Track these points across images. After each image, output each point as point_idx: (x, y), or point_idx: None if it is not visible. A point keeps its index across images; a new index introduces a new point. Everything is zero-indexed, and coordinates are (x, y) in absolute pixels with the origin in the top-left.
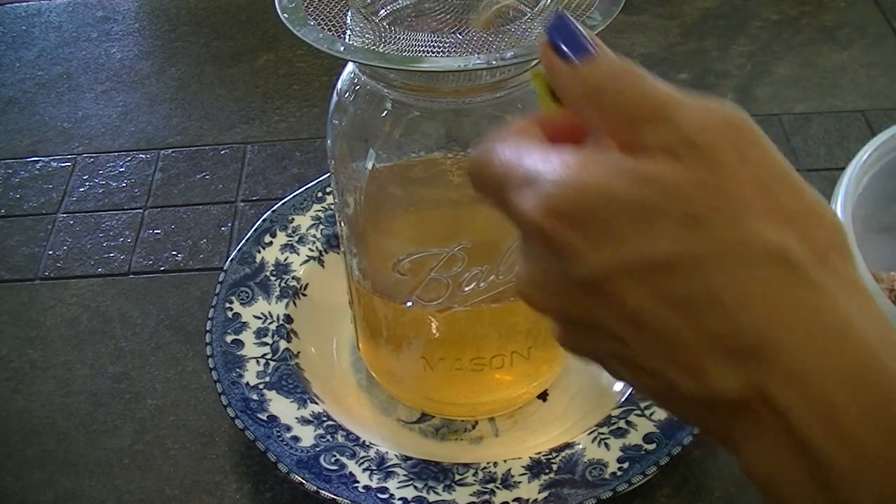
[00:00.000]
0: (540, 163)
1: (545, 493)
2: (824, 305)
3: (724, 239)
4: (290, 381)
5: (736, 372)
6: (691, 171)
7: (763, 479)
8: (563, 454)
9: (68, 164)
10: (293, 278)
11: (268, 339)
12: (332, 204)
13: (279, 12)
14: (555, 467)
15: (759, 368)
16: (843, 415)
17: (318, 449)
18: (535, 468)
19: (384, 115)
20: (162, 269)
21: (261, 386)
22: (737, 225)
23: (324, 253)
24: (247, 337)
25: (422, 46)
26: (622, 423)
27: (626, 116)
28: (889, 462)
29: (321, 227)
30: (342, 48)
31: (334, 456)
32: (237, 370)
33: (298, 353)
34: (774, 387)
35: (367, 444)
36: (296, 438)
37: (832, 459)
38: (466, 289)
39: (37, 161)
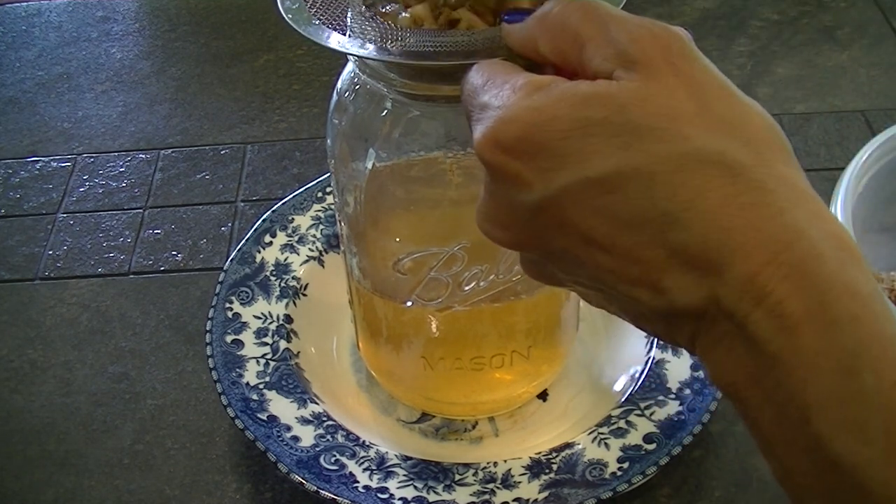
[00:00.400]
0: (492, 94)
1: (545, 493)
2: (769, 207)
3: (663, 151)
4: (290, 381)
5: (693, 283)
6: (627, 86)
7: (727, 386)
8: (563, 454)
9: (68, 164)
10: (293, 278)
11: (268, 339)
12: (332, 204)
13: (283, 13)
14: (555, 467)
15: (712, 278)
16: (791, 316)
17: (318, 449)
18: (535, 468)
19: (384, 114)
20: (162, 269)
21: (261, 386)
22: (675, 135)
23: (324, 253)
24: (247, 337)
25: (425, 44)
26: (622, 423)
27: (569, 42)
28: (831, 360)
29: (321, 227)
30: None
31: (334, 456)
32: (237, 370)
33: (298, 352)
34: (728, 294)
35: (367, 444)
36: (296, 438)
37: (783, 361)
38: (466, 288)
39: (37, 161)
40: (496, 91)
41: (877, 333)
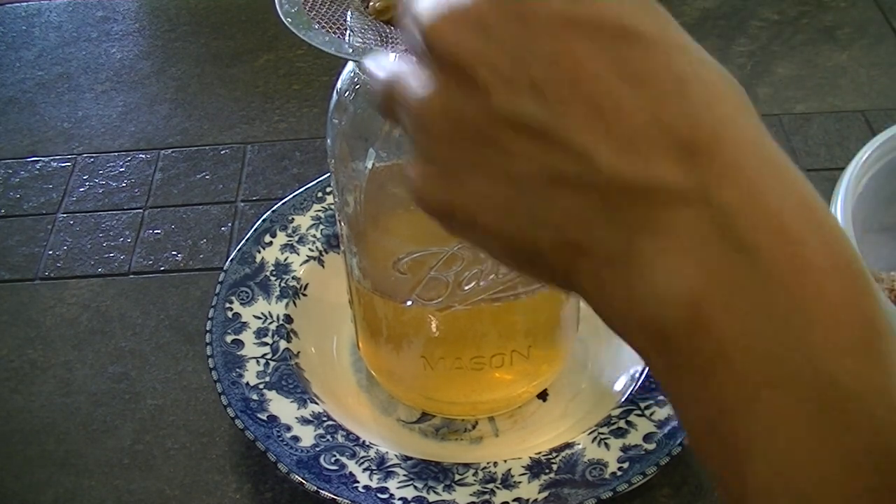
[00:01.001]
0: None
1: (545, 493)
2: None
3: (681, 34)
4: (290, 381)
5: (683, 163)
6: None
7: (680, 296)
8: (563, 454)
9: (68, 164)
10: (293, 278)
11: (268, 339)
12: (332, 204)
13: (281, 17)
14: (555, 467)
15: (706, 163)
16: (797, 232)
17: (318, 449)
18: (535, 468)
19: None
20: (162, 269)
21: (261, 386)
22: (663, 19)
23: (324, 253)
24: (247, 337)
25: None
26: (622, 423)
27: None
28: (829, 260)
29: (321, 227)
30: (350, 50)
31: (334, 456)
32: (237, 370)
33: (298, 352)
34: (719, 182)
35: (367, 444)
36: (296, 438)
37: (774, 262)
38: (466, 288)
39: (37, 161)
40: None
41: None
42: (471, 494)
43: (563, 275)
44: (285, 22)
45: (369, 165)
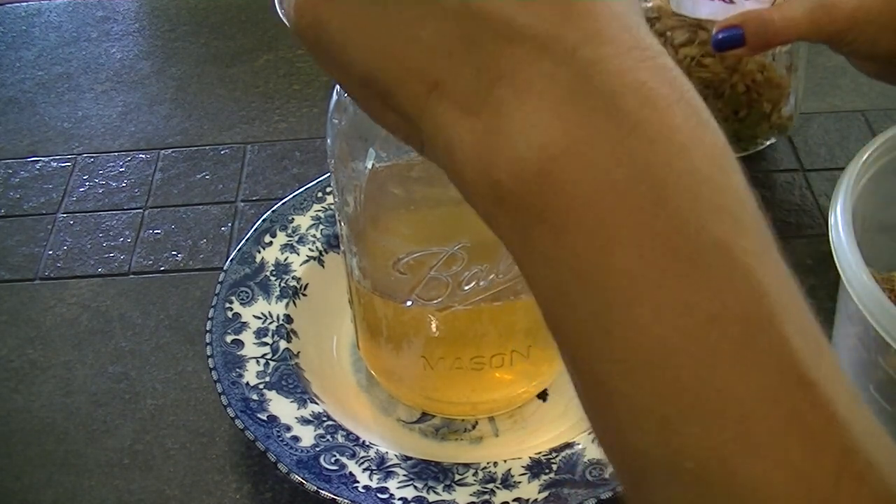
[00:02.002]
0: None
1: (545, 493)
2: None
3: None
4: (290, 381)
5: (556, 13)
6: None
7: (534, 148)
8: (563, 454)
9: (68, 164)
10: (293, 278)
11: (268, 339)
12: (332, 204)
13: (279, 11)
14: (555, 467)
15: (579, 21)
16: (662, 98)
17: (318, 449)
18: (535, 468)
19: None
20: (162, 269)
21: (261, 386)
22: None
23: (324, 253)
24: (247, 337)
25: None
26: None
27: None
28: (704, 151)
29: (321, 227)
30: None
31: (334, 456)
32: (237, 370)
33: (298, 353)
34: (588, 40)
35: (367, 444)
36: (296, 438)
37: (645, 132)
38: (466, 288)
39: (37, 161)
40: None
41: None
42: (471, 494)
43: (415, 118)
44: (285, 21)
45: (369, 165)
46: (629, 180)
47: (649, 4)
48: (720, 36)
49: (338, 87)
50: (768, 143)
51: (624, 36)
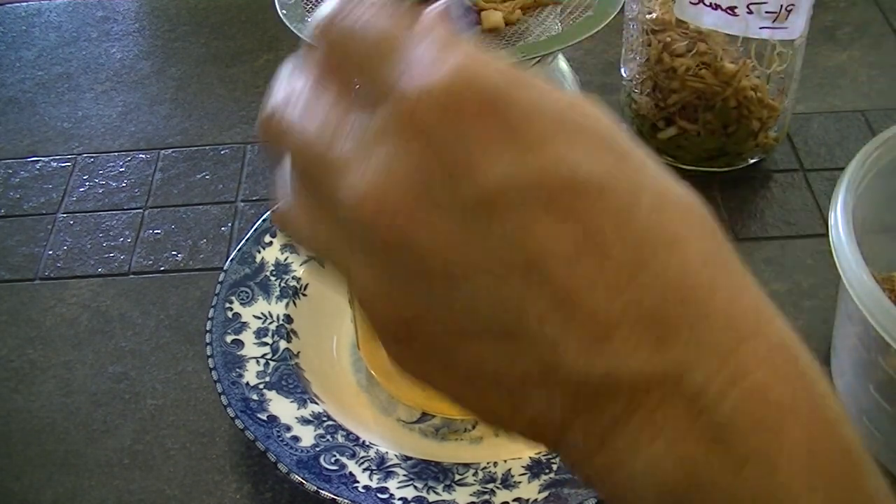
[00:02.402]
0: (452, 41)
1: (545, 493)
2: (745, 274)
3: (651, 170)
4: (290, 381)
5: (650, 346)
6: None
7: (655, 487)
8: None
9: (68, 164)
10: (293, 278)
11: (268, 339)
12: None
13: (278, 8)
14: (555, 467)
15: (677, 343)
16: (777, 406)
17: (318, 449)
18: (535, 468)
19: None
20: (162, 269)
21: (261, 386)
22: (656, 177)
23: None
24: (247, 337)
25: None
26: None
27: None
28: (814, 455)
29: None
30: None
31: (334, 456)
32: (237, 370)
33: (298, 352)
34: (698, 369)
35: (367, 444)
36: (296, 438)
37: (762, 461)
38: None
39: (37, 161)
40: (456, 42)
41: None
42: (471, 494)
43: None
44: (280, 14)
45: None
46: None
47: (653, 16)
48: None
49: None
50: (752, 161)
51: (736, 335)
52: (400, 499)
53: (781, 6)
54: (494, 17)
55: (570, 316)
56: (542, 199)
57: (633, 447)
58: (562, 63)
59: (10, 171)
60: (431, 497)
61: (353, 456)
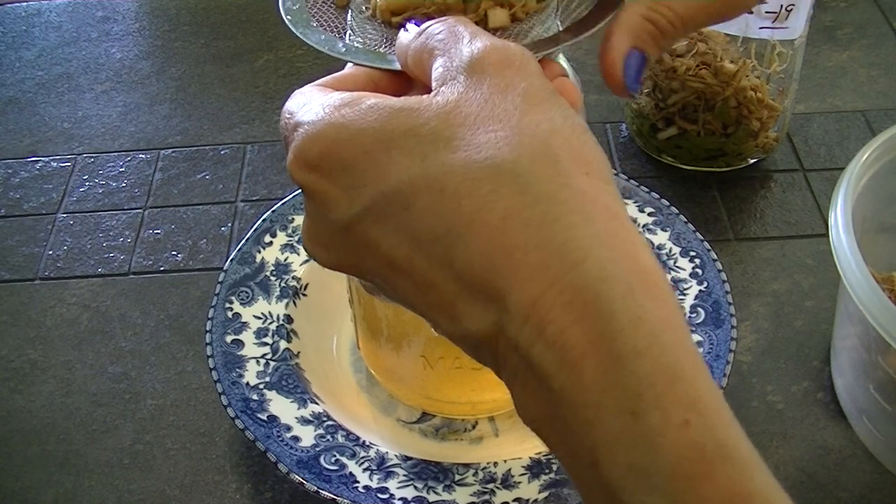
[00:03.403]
0: (304, 113)
1: (545, 493)
2: (556, 223)
3: (454, 160)
4: (290, 381)
5: (480, 309)
6: (442, 96)
7: (530, 423)
8: None
9: (68, 164)
10: (293, 278)
11: (268, 339)
12: None
13: (282, 13)
14: (555, 467)
15: (496, 303)
16: (573, 349)
17: (318, 449)
18: (535, 468)
19: None
20: (162, 269)
21: (261, 386)
22: (469, 143)
23: None
24: (247, 337)
25: None
26: None
27: (430, 51)
28: (614, 399)
29: None
30: (343, 49)
31: (334, 456)
32: (237, 370)
33: (298, 353)
34: (511, 322)
35: (367, 444)
36: (296, 438)
37: (568, 400)
38: None
39: (37, 161)
40: (308, 109)
41: (664, 368)
42: (471, 494)
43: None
44: (284, 18)
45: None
46: (572, 457)
47: None
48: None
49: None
50: (752, 161)
51: (550, 294)
52: (400, 499)
53: (781, 6)
54: (500, 15)
55: (429, 297)
56: (377, 215)
57: (508, 384)
58: (563, 63)
59: (10, 171)
60: (431, 497)
61: (353, 456)
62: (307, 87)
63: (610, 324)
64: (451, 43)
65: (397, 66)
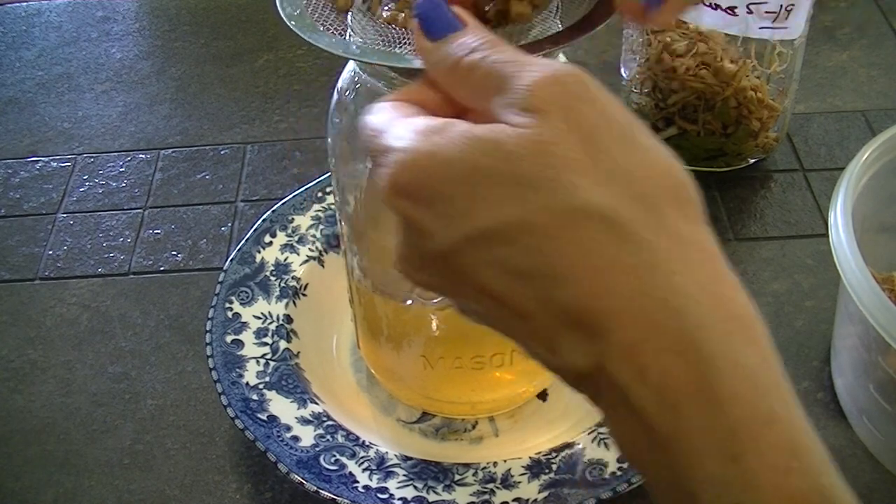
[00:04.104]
0: (393, 136)
1: (545, 493)
2: (656, 270)
3: (550, 203)
4: (290, 381)
5: (581, 346)
6: (518, 132)
7: (628, 455)
8: (563, 454)
9: (68, 164)
10: (293, 278)
11: (268, 339)
12: (332, 204)
13: (286, 20)
14: (555, 467)
15: (597, 343)
16: (673, 392)
17: (317, 449)
18: (535, 468)
19: None
20: (162, 269)
21: (261, 386)
22: (564, 186)
23: (324, 253)
24: (247, 337)
25: None
26: None
27: (479, 88)
28: (713, 441)
29: (321, 227)
30: (358, 50)
31: (334, 456)
32: (237, 370)
33: (298, 353)
34: (609, 361)
35: (367, 444)
36: (296, 438)
37: (669, 440)
38: None
39: (37, 161)
40: (395, 133)
41: (762, 412)
42: (471, 494)
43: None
44: (290, 25)
45: (370, 165)
46: (671, 494)
47: None
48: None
49: (339, 86)
50: (752, 161)
51: (649, 339)
52: (400, 499)
53: (781, 6)
54: (521, 6)
55: (527, 327)
56: (472, 248)
57: (606, 417)
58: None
59: (11, 171)
60: (431, 497)
61: (352, 456)
62: (388, 105)
63: (710, 368)
64: (501, 77)
65: (415, 65)
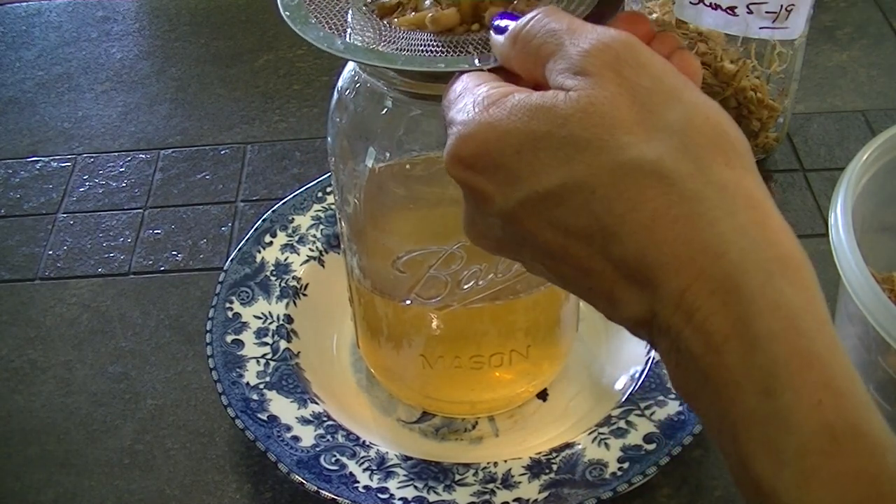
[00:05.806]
0: (457, 109)
1: (545, 493)
2: (701, 218)
3: (600, 162)
4: (291, 380)
5: (636, 296)
6: (571, 96)
7: (683, 396)
8: (563, 454)
9: (68, 164)
10: (293, 278)
11: (268, 339)
12: (332, 204)
13: (280, 9)
14: (555, 467)
15: (650, 292)
16: (716, 333)
17: (318, 449)
18: (535, 468)
19: (384, 112)
20: (162, 269)
21: (261, 386)
22: (613, 145)
23: (324, 253)
24: (247, 337)
25: (422, 45)
26: (622, 423)
27: (536, 55)
28: (752, 379)
29: (321, 227)
30: (342, 46)
31: (334, 456)
32: (237, 370)
33: (298, 352)
34: (663, 309)
35: (367, 444)
36: (296, 438)
37: (713, 380)
38: (465, 287)
39: (37, 161)
40: (460, 105)
41: (800, 350)
42: (471, 494)
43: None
44: (283, 15)
45: (369, 164)
46: (717, 430)
47: (653, 16)
48: None
49: (339, 85)
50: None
51: (703, 286)
52: (400, 499)
53: (781, 6)
54: (523, 6)
55: (588, 282)
56: (531, 211)
57: (663, 361)
58: None
59: (10, 171)
60: (431, 497)
61: (353, 456)
62: (464, 77)
63: (749, 309)
64: (555, 44)
65: (399, 64)
